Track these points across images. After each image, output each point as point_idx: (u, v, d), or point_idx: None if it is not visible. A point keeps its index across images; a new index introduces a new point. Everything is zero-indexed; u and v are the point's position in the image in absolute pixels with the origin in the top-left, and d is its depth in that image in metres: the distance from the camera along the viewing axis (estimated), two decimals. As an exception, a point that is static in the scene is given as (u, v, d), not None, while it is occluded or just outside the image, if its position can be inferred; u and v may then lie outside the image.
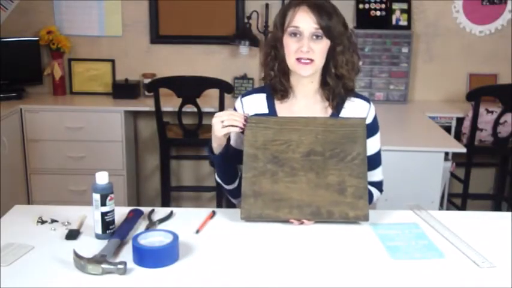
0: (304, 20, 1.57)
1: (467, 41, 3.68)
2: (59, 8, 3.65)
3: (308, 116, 1.64)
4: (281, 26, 1.63)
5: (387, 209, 1.68)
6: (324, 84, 1.69)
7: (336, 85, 1.66)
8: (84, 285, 1.23)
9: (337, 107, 1.69)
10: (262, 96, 1.73)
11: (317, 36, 1.59)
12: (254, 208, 1.54)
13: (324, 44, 1.60)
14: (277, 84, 1.69)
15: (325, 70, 1.67)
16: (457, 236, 1.49)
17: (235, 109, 1.75)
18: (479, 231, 1.54)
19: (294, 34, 1.59)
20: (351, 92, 1.71)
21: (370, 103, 1.73)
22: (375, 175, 1.76)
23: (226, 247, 1.43)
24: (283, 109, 1.71)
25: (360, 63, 1.71)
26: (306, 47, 1.57)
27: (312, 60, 1.59)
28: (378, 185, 1.79)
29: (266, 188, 1.55)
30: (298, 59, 1.60)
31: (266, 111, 1.72)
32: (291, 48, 1.60)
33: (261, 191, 1.55)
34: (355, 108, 1.71)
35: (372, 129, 1.71)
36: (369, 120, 1.70)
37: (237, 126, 1.56)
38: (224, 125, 1.56)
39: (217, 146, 1.64)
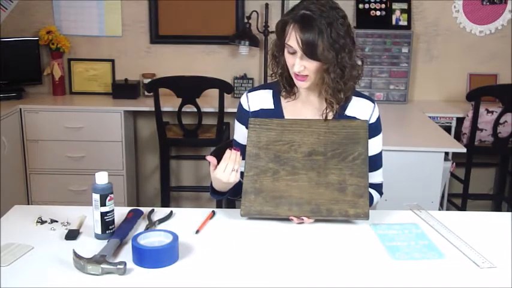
0: (295, 41, 1.55)
1: (467, 41, 3.68)
2: (59, 8, 3.65)
3: (310, 119, 1.66)
4: (281, 37, 1.62)
5: (387, 209, 1.68)
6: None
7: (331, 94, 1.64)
8: (84, 285, 1.23)
9: (342, 106, 1.69)
10: (269, 93, 1.75)
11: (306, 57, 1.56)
12: (254, 205, 1.55)
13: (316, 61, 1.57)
14: (281, 84, 1.71)
15: None
16: (457, 236, 1.49)
17: (240, 104, 1.76)
18: (479, 231, 1.54)
19: (290, 51, 1.58)
20: (356, 92, 1.72)
21: (374, 103, 1.74)
22: (375, 177, 1.76)
23: (226, 247, 1.43)
24: (289, 106, 1.72)
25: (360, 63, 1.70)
26: (297, 66, 1.57)
27: (307, 75, 1.59)
28: (378, 187, 1.79)
29: (267, 185, 1.57)
30: (295, 74, 1.61)
31: (272, 107, 1.73)
32: (288, 63, 1.61)
33: (262, 188, 1.56)
34: (359, 108, 1.71)
35: (375, 129, 1.72)
36: (372, 120, 1.71)
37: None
38: (235, 169, 1.54)
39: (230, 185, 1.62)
